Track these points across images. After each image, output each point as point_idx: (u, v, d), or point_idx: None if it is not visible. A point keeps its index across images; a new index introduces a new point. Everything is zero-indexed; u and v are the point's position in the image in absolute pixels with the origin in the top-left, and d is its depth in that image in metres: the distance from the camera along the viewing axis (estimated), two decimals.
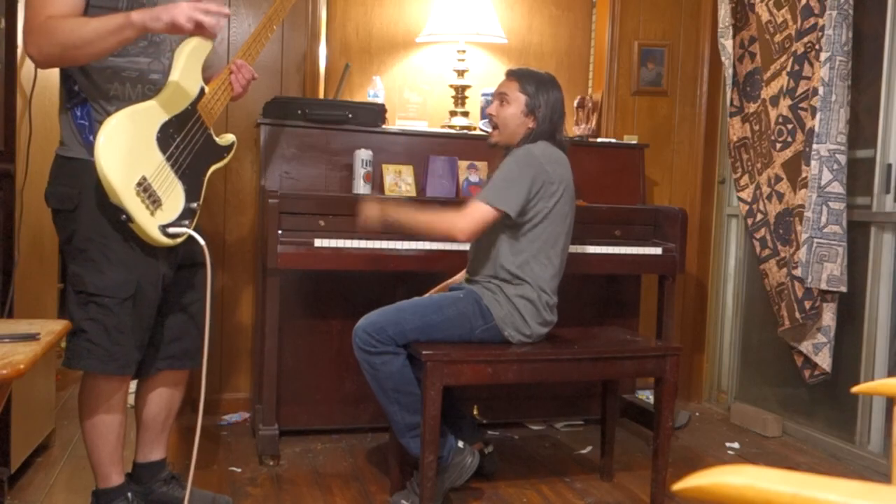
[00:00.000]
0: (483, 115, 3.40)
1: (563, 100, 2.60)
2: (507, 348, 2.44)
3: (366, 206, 2.50)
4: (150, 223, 1.97)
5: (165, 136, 2.03)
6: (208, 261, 2.09)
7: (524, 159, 2.47)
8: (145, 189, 1.95)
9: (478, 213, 2.42)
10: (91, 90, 2.01)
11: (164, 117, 2.03)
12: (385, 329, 2.36)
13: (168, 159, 2.03)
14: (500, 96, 2.59)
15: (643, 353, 2.60)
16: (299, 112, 3.10)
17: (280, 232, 2.81)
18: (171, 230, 2.01)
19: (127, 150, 1.92)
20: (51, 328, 1.66)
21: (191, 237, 2.07)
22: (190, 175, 2.09)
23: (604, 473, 2.81)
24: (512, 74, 2.62)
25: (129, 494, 2.18)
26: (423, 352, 2.30)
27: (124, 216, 1.93)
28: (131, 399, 2.35)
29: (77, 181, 2.01)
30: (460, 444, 2.47)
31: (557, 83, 2.61)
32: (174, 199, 2.04)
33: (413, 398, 2.38)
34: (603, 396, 2.82)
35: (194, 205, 2.10)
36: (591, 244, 3.15)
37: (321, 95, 3.43)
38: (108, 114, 1.97)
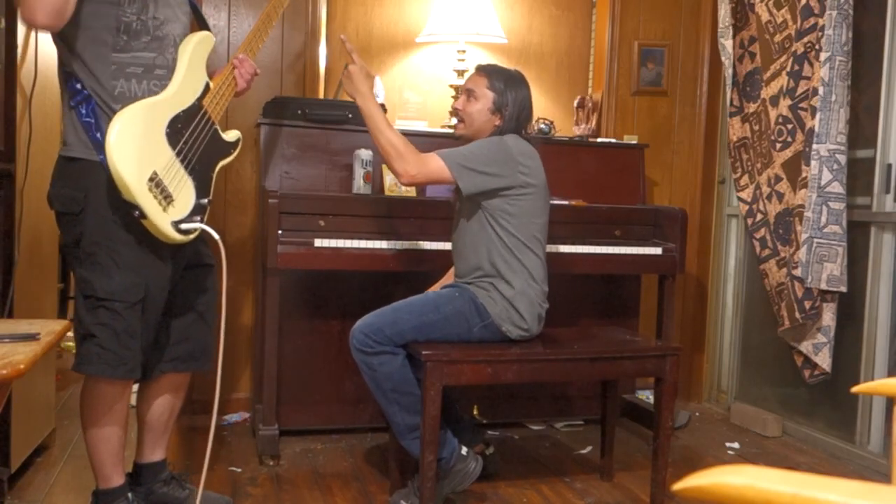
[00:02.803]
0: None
1: (531, 98, 2.59)
2: (507, 347, 2.44)
3: (355, 71, 2.47)
4: (163, 219, 1.95)
5: (174, 131, 2.02)
6: (223, 255, 2.07)
7: (496, 146, 2.46)
8: (157, 184, 1.93)
9: (434, 165, 2.40)
10: (96, 88, 1.99)
11: (173, 112, 2.02)
12: (382, 329, 2.35)
13: (178, 154, 2.01)
14: (468, 92, 2.57)
15: (643, 353, 2.60)
16: (299, 112, 3.10)
17: (280, 232, 2.81)
18: (184, 226, 2.00)
19: (138, 145, 1.91)
20: (51, 328, 1.66)
21: (204, 234, 2.06)
22: (199, 170, 2.08)
23: (604, 473, 2.81)
24: (481, 70, 2.61)
25: (130, 495, 2.18)
26: (423, 352, 2.30)
27: (137, 212, 1.91)
28: (133, 399, 2.35)
29: (82, 183, 1.99)
30: (464, 450, 2.45)
31: (526, 81, 2.60)
32: (185, 194, 2.03)
33: (412, 398, 2.38)
34: (603, 396, 2.82)
35: (204, 200, 2.08)
36: (592, 244, 3.15)
37: (321, 95, 3.43)
38: (114, 111, 1.95)
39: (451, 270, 2.76)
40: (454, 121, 3.43)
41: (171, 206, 1.98)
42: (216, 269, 2.28)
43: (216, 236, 2.05)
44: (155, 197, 1.93)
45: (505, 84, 2.54)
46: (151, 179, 1.92)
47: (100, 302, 2.00)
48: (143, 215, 1.92)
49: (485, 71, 2.60)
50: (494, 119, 2.54)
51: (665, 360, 2.54)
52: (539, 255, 2.53)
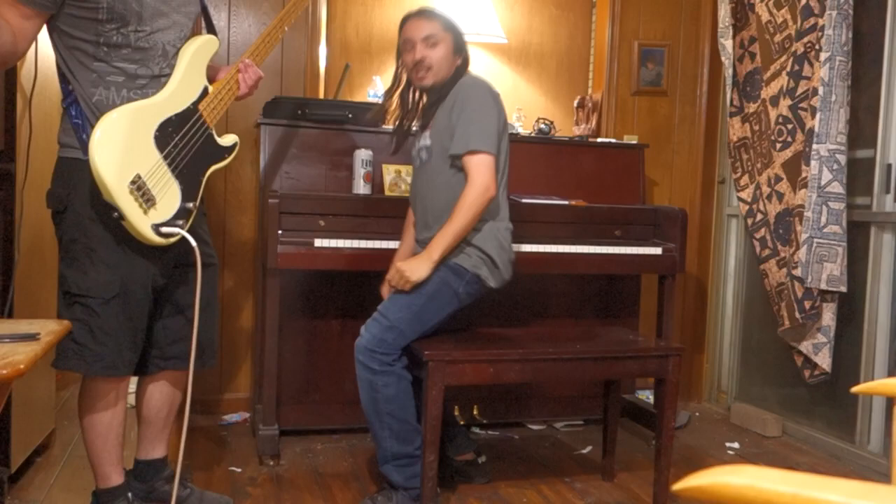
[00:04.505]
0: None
1: None
2: (509, 346, 2.44)
3: (413, 271, 2.35)
4: (143, 222, 1.95)
5: (164, 135, 2.02)
6: (199, 262, 2.05)
7: (484, 96, 2.42)
8: (139, 188, 1.93)
9: (484, 165, 2.34)
10: (80, 92, 2.00)
11: (164, 116, 2.02)
12: (384, 340, 2.32)
13: (165, 158, 2.01)
14: (427, 39, 2.44)
15: (646, 354, 2.60)
16: (299, 112, 3.10)
17: (280, 232, 2.81)
18: (164, 229, 1.99)
19: (122, 148, 1.91)
20: (51, 328, 1.66)
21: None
22: (187, 175, 2.08)
23: (605, 473, 2.81)
24: (425, 15, 2.49)
25: (130, 495, 2.18)
26: (425, 352, 2.30)
27: (116, 213, 1.91)
28: (132, 399, 2.35)
29: (68, 182, 2.01)
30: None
31: None
32: (169, 198, 2.03)
33: (406, 427, 2.35)
34: (605, 396, 2.82)
35: (190, 205, 2.08)
36: (591, 244, 3.15)
37: (321, 95, 3.43)
38: (96, 116, 1.96)
39: (408, 239, 2.70)
40: None
41: (152, 209, 1.97)
42: (217, 268, 2.29)
43: (193, 243, 2.02)
44: (136, 199, 1.93)
45: (454, 23, 2.50)
46: (133, 182, 1.92)
47: (74, 298, 2.01)
48: (122, 217, 1.92)
49: (430, 15, 2.50)
50: (456, 60, 2.49)
51: (668, 361, 2.54)
52: (505, 194, 2.50)
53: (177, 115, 2.05)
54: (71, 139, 2.02)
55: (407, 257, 2.57)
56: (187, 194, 2.08)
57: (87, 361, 2.02)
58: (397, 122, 2.62)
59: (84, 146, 1.97)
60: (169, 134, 2.03)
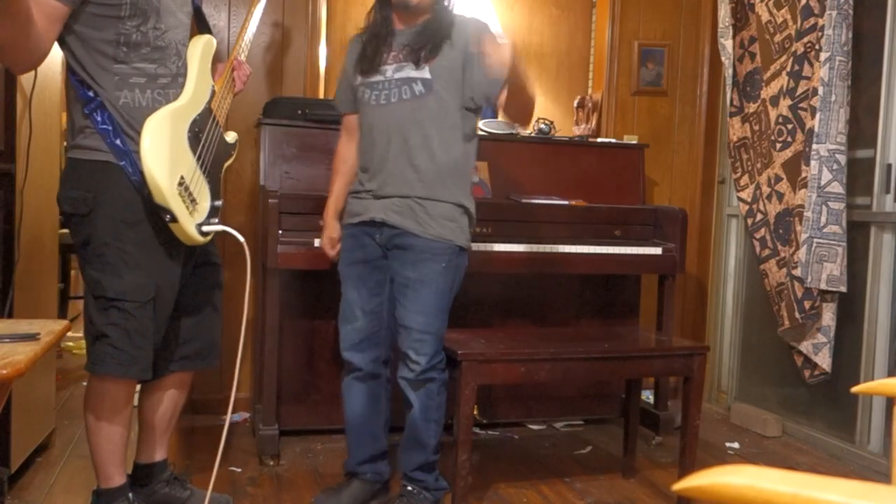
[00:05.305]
0: None
1: None
2: (540, 345, 2.46)
3: (504, 54, 2.00)
4: (190, 222, 2.00)
5: (194, 136, 2.05)
6: (248, 255, 2.10)
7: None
8: (185, 188, 1.98)
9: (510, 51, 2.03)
10: (105, 97, 1.98)
11: (191, 117, 2.06)
12: (438, 350, 2.31)
13: (198, 158, 2.05)
14: None
15: (673, 352, 2.61)
16: (299, 112, 3.11)
17: (280, 232, 2.81)
18: (205, 228, 2.04)
19: (168, 151, 1.95)
20: (51, 328, 1.66)
21: (218, 235, 2.10)
22: (212, 173, 2.12)
23: (626, 471, 2.82)
24: None
25: (131, 495, 2.18)
26: (459, 351, 2.30)
27: (169, 216, 1.94)
28: (134, 399, 2.35)
29: (91, 184, 1.99)
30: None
31: None
32: (204, 197, 2.07)
33: (440, 434, 2.37)
34: (627, 396, 2.84)
35: (218, 203, 2.12)
36: (591, 244, 3.15)
37: (321, 95, 3.43)
38: (126, 120, 1.97)
39: (337, 191, 2.57)
40: None
41: (195, 209, 2.02)
42: (222, 268, 2.31)
43: (241, 238, 2.08)
44: (183, 201, 1.97)
45: None
46: (181, 184, 1.96)
47: (110, 302, 2.00)
48: (173, 219, 1.95)
49: None
50: None
51: (693, 360, 2.54)
52: (474, 155, 2.44)
53: (199, 115, 2.09)
54: (96, 143, 1.98)
55: (337, 214, 2.51)
56: (214, 192, 2.12)
57: (123, 365, 2.02)
58: (367, 37, 2.37)
59: (117, 151, 1.97)
60: (196, 135, 2.06)
